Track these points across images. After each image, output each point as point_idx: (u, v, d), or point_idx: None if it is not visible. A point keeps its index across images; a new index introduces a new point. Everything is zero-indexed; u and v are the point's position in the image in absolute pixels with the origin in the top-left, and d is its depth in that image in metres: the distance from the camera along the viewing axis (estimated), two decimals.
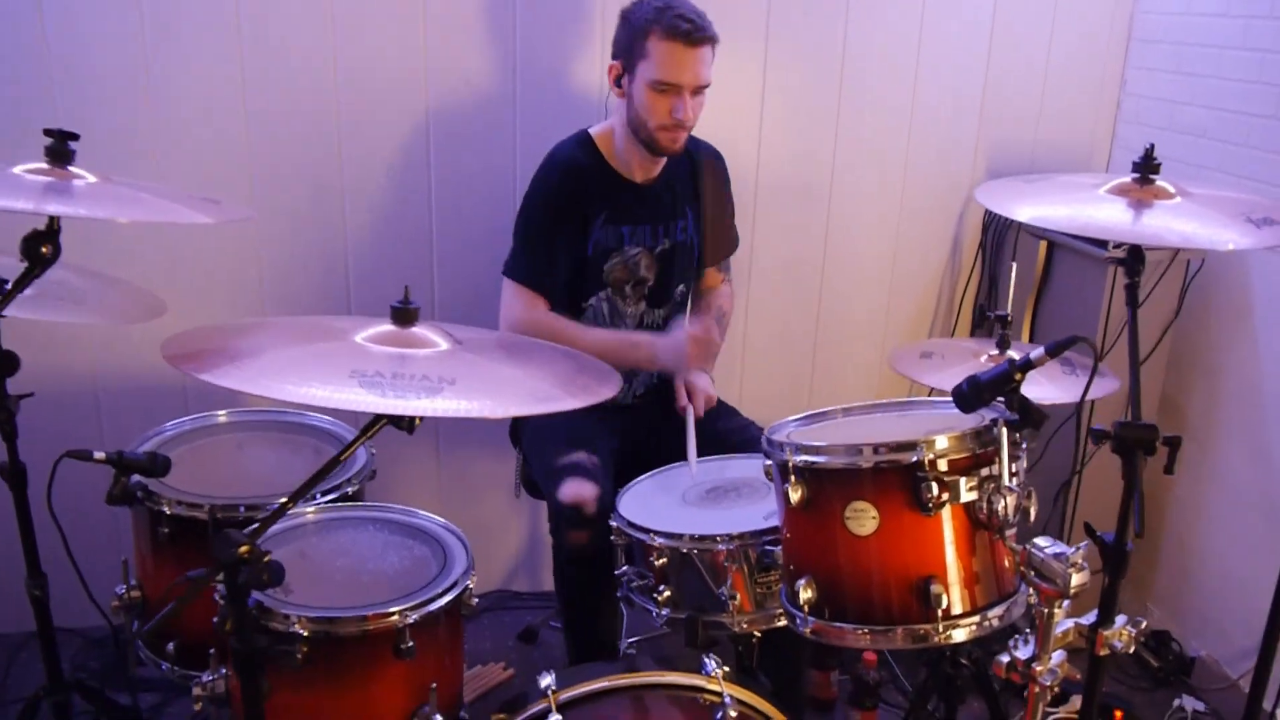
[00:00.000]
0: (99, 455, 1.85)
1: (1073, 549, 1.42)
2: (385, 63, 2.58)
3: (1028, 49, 2.94)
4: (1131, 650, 1.57)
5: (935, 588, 1.49)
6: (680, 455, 2.20)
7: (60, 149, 1.50)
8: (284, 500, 1.42)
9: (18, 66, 2.39)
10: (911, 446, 1.48)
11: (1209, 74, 2.68)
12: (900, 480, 1.50)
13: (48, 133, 1.50)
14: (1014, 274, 1.93)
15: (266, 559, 1.36)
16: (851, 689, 2.50)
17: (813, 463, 1.55)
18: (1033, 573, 1.45)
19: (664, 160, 2.34)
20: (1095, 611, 1.56)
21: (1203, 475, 2.78)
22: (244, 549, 1.35)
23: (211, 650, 1.76)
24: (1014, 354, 1.93)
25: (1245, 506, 2.64)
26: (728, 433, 2.32)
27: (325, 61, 2.54)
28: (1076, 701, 2.61)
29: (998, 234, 2.94)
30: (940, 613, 1.50)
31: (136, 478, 1.98)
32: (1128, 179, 1.61)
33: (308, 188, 2.62)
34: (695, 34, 2.12)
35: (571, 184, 2.28)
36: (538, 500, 2.62)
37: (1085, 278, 2.69)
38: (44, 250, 1.46)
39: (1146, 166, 1.58)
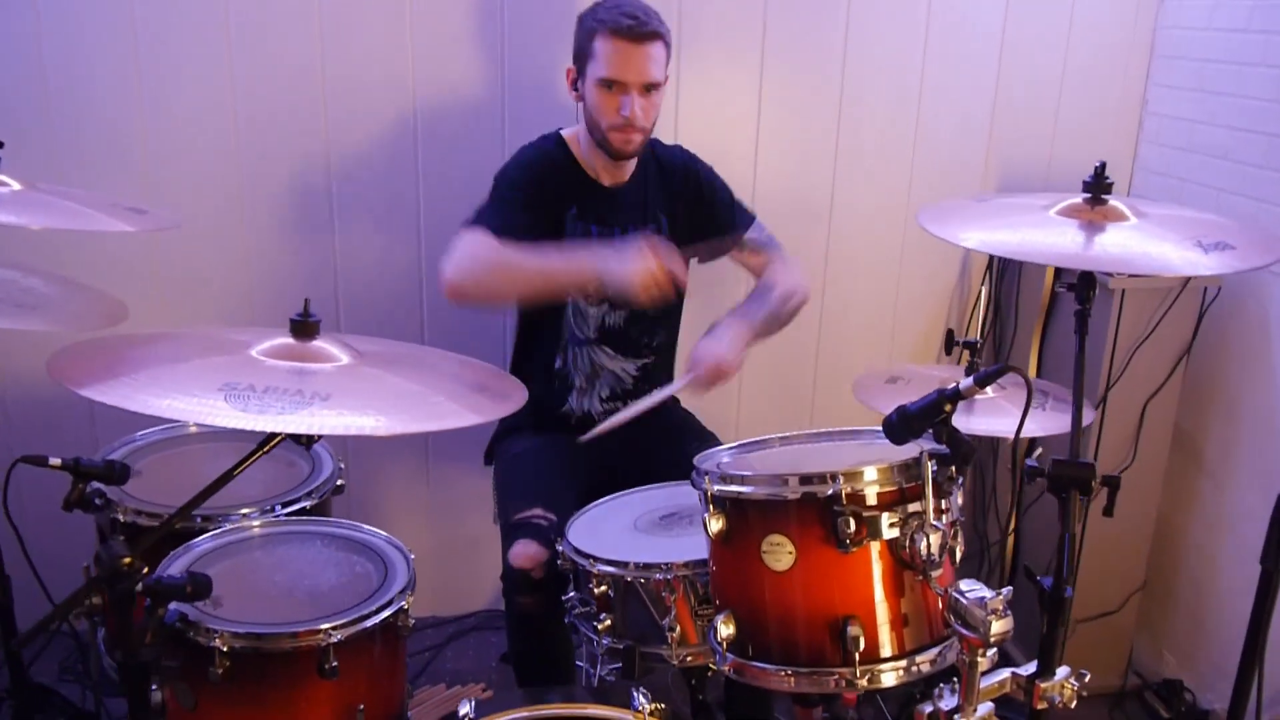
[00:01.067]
0: (54, 461, 1.86)
1: (994, 594, 1.32)
2: (371, 68, 2.57)
3: (1041, 64, 2.82)
4: (1073, 705, 1.46)
5: (853, 629, 1.41)
6: (649, 479, 2.14)
7: None
8: (171, 515, 1.39)
9: (11, 82, 2.44)
10: (829, 478, 1.40)
11: (1230, 92, 2.54)
12: (818, 514, 1.42)
13: None
14: (983, 296, 1.84)
15: (145, 571, 1.34)
16: None
17: (729, 492, 1.48)
18: (955, 619, 1.35)
19: (631, 165, 2.28)
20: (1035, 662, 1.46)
21: (1219, 518, 2.62)
22: (126, 561, 1.33)
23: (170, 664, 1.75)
24: (1011, 396, 1.84)
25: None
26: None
27: (313, 67, 2.54)
28: None
29: (1003, 260, 2.82)
30: (859, 655, 1.41)
31: (95, 485, 2.00)
32: (1079, 199, 1.52)
33: (296, 193, 2.62)
34: (639, 29, 2.07)
35: (543, 169, 2.24)
36: None
37: (1093, 303, 2.56)
38: None
39: (1097, 186, 1.48)
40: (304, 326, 1.40)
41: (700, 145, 2.44)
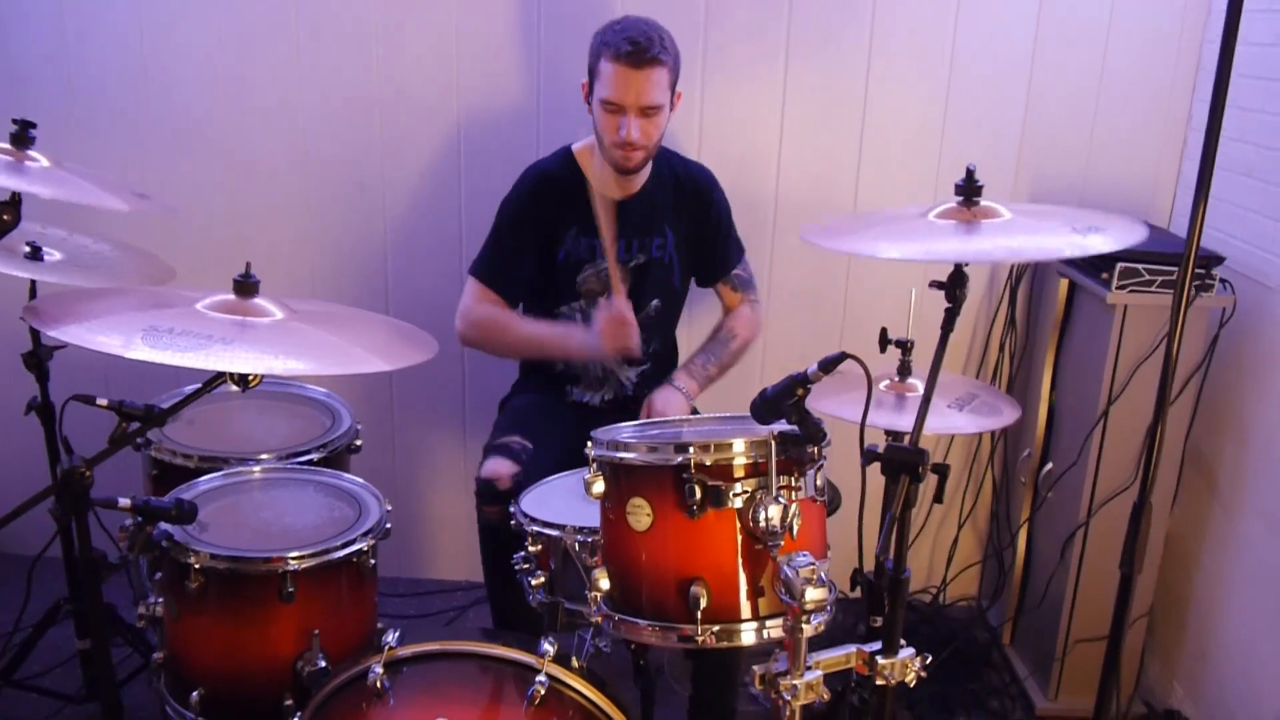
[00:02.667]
0: (101, 401, 2.17)
1: (811, 564, 1.41)
2: (421, 82, 2.82)
3: (1076, 75, 2.79)
4: (913, 684, 1.53)
5: (695, 589, 1.52)
6: None
7: (22, 135, 1.81)
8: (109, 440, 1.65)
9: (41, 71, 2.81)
10: (680, 449, 1.52)
11: (1258, 109, 2.47)
12: (672, 480, 1.54)
13: (14, 121, 1.82)
14: (914, 298, 1.90)
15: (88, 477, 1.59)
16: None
17: (607, 457, 1.62)
18: (781, 588, 1.45)
19: (641, 178, 2.43)
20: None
21: (1227, 545, 2.54)
22: (85, 471, 1.60)
23: (158, 575, 2.03)
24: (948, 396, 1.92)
25: (1268, 585, 2.39)
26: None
27: (368, 77, 2.81)
28: None
29: (1019, 271, 2.81)
30: (700, 614, 1.52)
31: (136, 424, 2.31)
32: (953, 203, 1.58)
33: (352, 189, 2.91)
34: (639, 55, 2.19)
35: (543, 194, 2.42)
36: None
37: (1092, 324, 2.54)
38: (4, 218, 1.76)
39: (969, 189, 1.55)
40: (245, 286, 1.63)
41: (724, 151, 2.55)
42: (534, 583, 1.99)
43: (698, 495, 1.50)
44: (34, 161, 1.84)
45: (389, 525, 2.07)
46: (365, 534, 2.02)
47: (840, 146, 2.86)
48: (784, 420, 1.56)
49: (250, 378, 1.63)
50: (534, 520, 1.99)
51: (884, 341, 1.98)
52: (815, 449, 1.53)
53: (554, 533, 1.96)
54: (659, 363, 2.59)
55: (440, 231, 2.94)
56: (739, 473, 1.53)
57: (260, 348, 1.49)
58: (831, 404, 1.96)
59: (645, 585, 1.59)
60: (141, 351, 1.41)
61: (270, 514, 2.12)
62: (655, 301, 2.51)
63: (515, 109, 2.85)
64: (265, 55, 2.81)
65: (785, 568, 1.44)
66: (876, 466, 1.50)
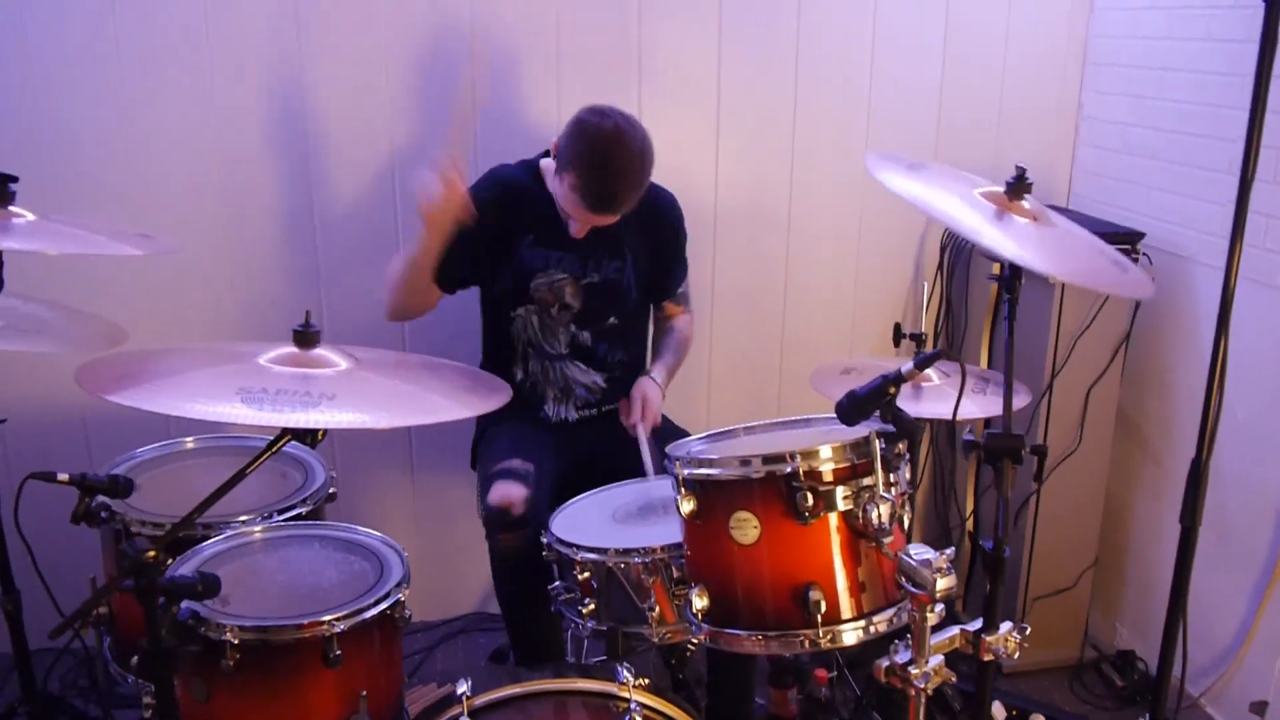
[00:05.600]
0: (62, 477, 1.97)
1: (938, 554, 1.47)
2: (352, 102, 2.71)
3: (981, 73, 3.00)
4: (1016, 656, 1.61)
5: (814, 594, 1.55)
6: (623, 475, 2.28)
7: (1, 191, 1.63)
8: (190, 512, 1.52)
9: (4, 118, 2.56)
10: (788, 457, 1.55)
11: (1154, 96, 2.73)
12: (779, 490, 1.56)
13: None
14: (926, 291, 2.00)
15: (168, 563, 1.46)
16: (804, 706, 2.53)
17: (699, 475, 1.62)
18: (904, 579, 1.50)
19: None
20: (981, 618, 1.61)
21: (1161, 494, 2.79)
22: (151, 554, 1.46)
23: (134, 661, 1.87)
24: (905, 375, 1.99)
25: (1208, 531, 2.63)
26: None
27: (293, 100, 2.68)
28: None
29: (953, 257, 2.99)
30: (820, 618, 1.55)
31: (100, 499, 2.11)
32: (1001, 190, 1.68)
33: (278, 224, 2.75)
34: (600, 206, 2.21)
35: (503, 196, 2.38)
36: None
37: (1035, 303, 2.73)
38: None
39: (1018, 187, 1.64)
40: (306, 336, 1.53)
41: (662, 166, 2.57)
42: (584, 610, 1.97)
43: (810, 501, 1.53)
44: (19, 217, 1.66)
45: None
46: (398, 585, 1.94)
47: (773, 151, 2.96)
48: (871, 419, 1.60)
49: (319, 434, 1.54)
50: (578, 547, 1.96)
51: (898, 336, 2.08)
52: (905, 444, 1.58)
53: (597, 557, 1.95)
54: (626, 370, 2.59)
55: (378, 264, 2.82)
56: (844, 475, 1.57)
57: (358, 402, 1.40)
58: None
59: (755, 596, 1.60)
60: (245, 414, 1.30)
61: (288, 576, 1.99)
62: (613, 319, 2.51)
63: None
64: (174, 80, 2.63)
65: (909, 559, 1.49)
66: None
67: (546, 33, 2.74)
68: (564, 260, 2.40)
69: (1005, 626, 1.61)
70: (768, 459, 1.56)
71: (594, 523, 2.10)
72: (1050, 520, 2.80)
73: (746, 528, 1.58)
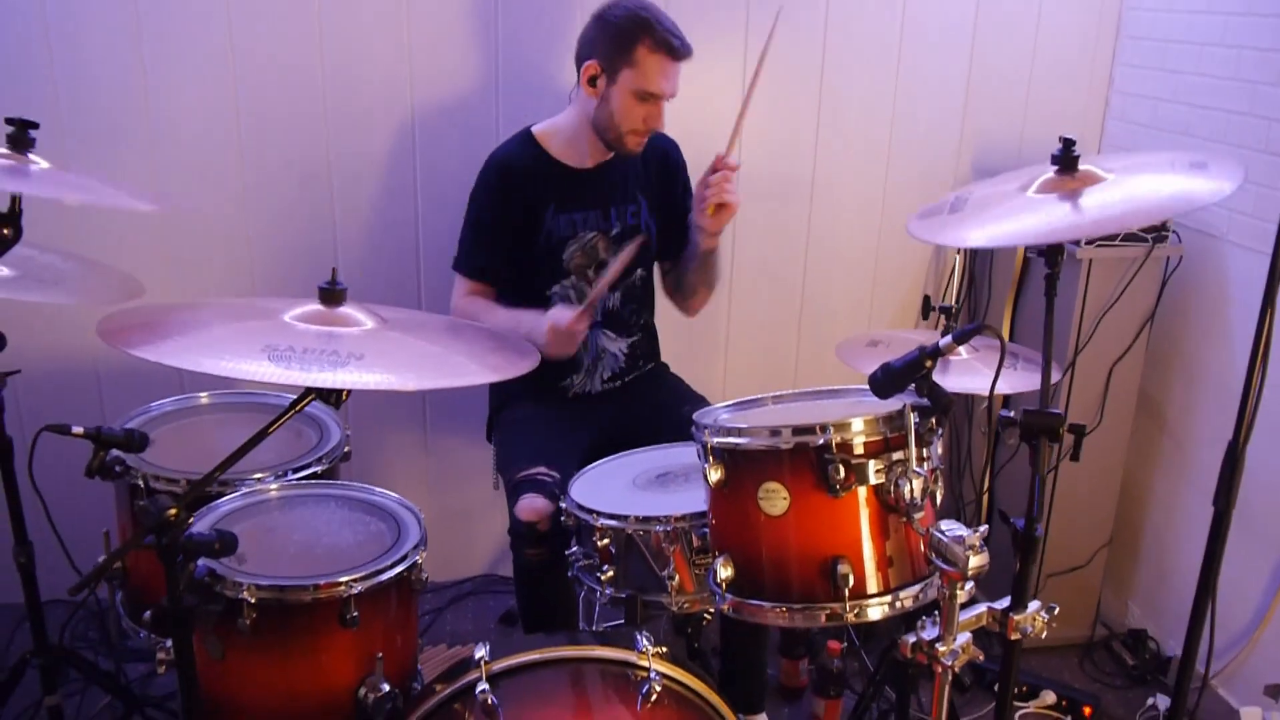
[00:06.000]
0: (77, 430, 1.95)
1: (971, 531, 1.44)
2: (371, 61, 2.66)
3: (1012, 42, 2.94)
4: (1044, 635, 1.59)
5: (843, 567, 1.53)
6: (643, 443, 2.25)
7: (21, 136, 1.59)
8: (212, 470, 1.49)
9: (22, 72, 2.51)
10: (820, 429, 1.52)
11: (1190, 70, 2.67)
12: (810, 462, 1.54)
13: (9, 121, 1.59)
14: (957, 265, 1.96)
15: (190, 521, 1.44)
16: (816, 677, 2.53)
17: (728, 444, 1.60)
18: (935, 555, 1.48)
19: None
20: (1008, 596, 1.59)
21: (1180, 474, 2.77)
22: (173, 511, 1.43)
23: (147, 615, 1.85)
24: (987, 359, 1.98)
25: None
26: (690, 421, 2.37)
27: (312, 61, 2.63)
28: (1047, 697, 2.63)
29: None
30: (848, 592, 1.53)
31: (115, 453, 2.09)
32: (1050, 173, 1.63)
33: (296, 182, 2.71)
34: (684, 50, 2.22)
35: (511, 178, 2.35)
36: None
37: (1060, 278, 2.68)
38: (4, 232, 1.55)
39: (1066, 159, 1.60)
40: (332, 294, 1.50)
41: (686, 128, 2.54)
42: (603, 577, 1.95)
43: (841, 474, 1.51)
44: (35, 165, 1.62)
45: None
46: (415, 547, 1.92)
47: (799, 118, 2.91)
48: (904, 393, 1.58)
49: (342, 394, 1.51)
50: (598, 514, 1.94)
51: (927, 308, 2.04)
52: (939, 419, 1.56)
53: (617, 524, 1.93)
54: (645, 337, 2.58)
55: (396, 225, 2.79)
56: (876, 448, 1.54)
57: (385, 363, 1.37)
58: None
59: (780, 568, 1.59)
60: (271, 372, 1.27)
61: (304, 535, 1.97)
62: (640, 271, 2.49)
63: (472, 91, 2.73)
64: (191, 44, 2.58)
65: (942, 535, 1.46)
66: None
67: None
68: (589, 218, 2.38)
69: (1033, 605, 1.58)
70: (799, 429, 1.54)
71: (614, 488, 2.07)
72: (1067, 498, 2.78)
73: (775, 498, 1.56)
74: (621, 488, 2.08)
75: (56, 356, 2.72)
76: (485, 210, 2.38)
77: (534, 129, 2.41)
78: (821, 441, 1.52)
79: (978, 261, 2.94)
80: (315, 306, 1.51)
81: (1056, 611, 1.59)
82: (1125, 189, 1.58)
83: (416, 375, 1.36)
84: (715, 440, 1.60)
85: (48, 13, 2.49)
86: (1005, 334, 2.90)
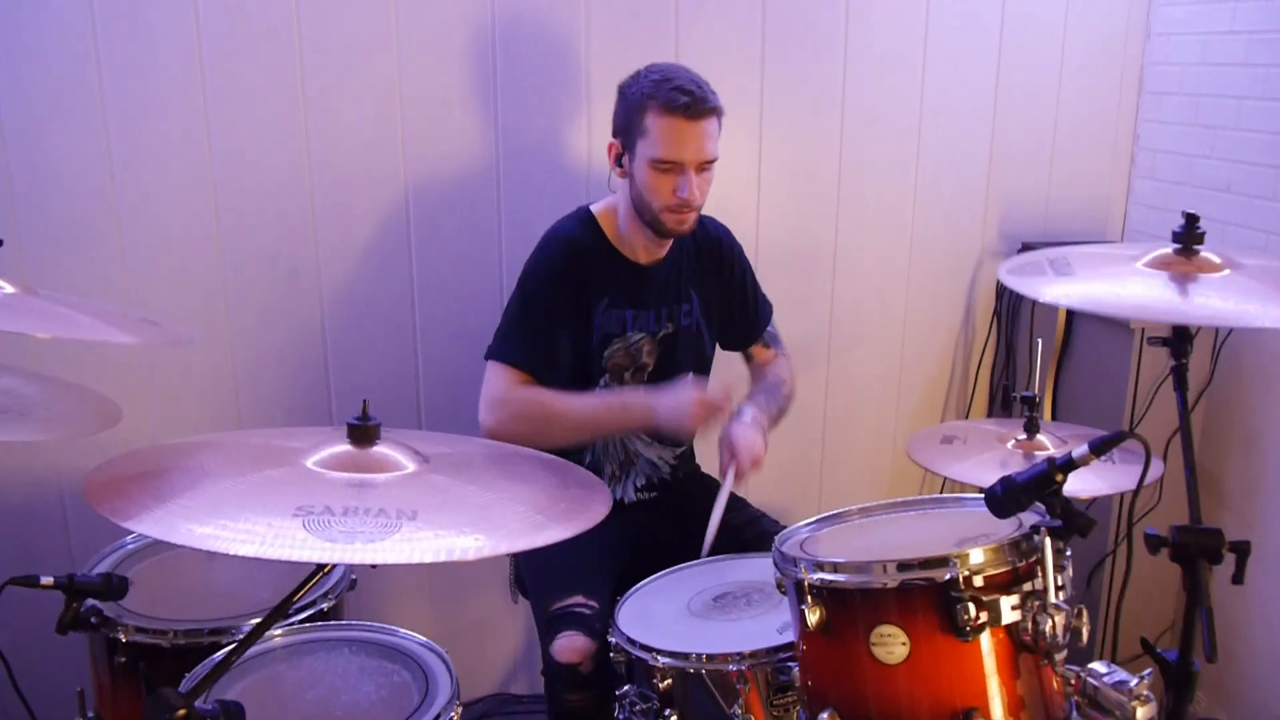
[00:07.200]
0: (46, 580, 1.70)
1: (1135, 678, 1.24)
2: (361, 142, 2.45)
3: (1034, 108, 2.82)
4: None
5: None
6: (681, 558, 2.02)
7: None
8: (229, 649, 1.24)
9: None
10: (943, 562, 1.31)
11: (1229, 126, 2.55)
12: (932, 601, 1.32)
13: None
14: (1040, 350, 1.77)
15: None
16: None
17: (831, 581, 1.37)
18: (1089, 704, 1.26)
19: (669, 241, 2.19)
20: None
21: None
22: (181, 712, 1.18)
23: None
24: (1051, 451, 1.77)
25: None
26: (738, 528, 2.14)
27: (297, 142, 2.41)
28: None
29: (1013, 302, 2.78)
30: None
31: (91, 602, 1.82)
32: (1168, 250, 1.46)
33: (283, 280, 2.48)
34: (695, 106, 1.97)
35: (575, 263, 2.12)
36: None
37: (1110, 348, 2.53)
38: None
39: (1189, 236, 1.42)
40: (364, 431, 1.27)
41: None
42: None
43: (972, 613, 1.29)
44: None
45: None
46: (449, 702, 1.67)
47: (818, 195, 2.76)
48: (1027, 511, 1.37)
49: None
50: (658, 652, 1.70)
51: (1007, 399, 1.86)
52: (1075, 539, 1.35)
53: (682, 664, 1.69)
54: (692, 441, 2.35)
55: (390, 321, 2.56)
56: (1003, 580, 1.33)
57: (443, 521, 1.14)
58: (956, 469, 1.82)
59: None
60: (308, 544, 1.03)
61: (319, 693, 1.71)
62: (690, 374, 2.25)
63: (471, 174, 2.53)
64: (167, 124, 2.35)
65: (1099, 682, 1.25)
66: None
67: (575, 70, 2.52)
68: (640, 318, 2.16)
69: None
70: (920, 563, 1.32)
71: (668, 616, 1.84)
72: (1129, 585, 2.58)
73: (892, 644, 1.33)
74: (676, 615, 1.84)
75: (15, 486, 2.43)
76: (546, 292, 2.11)
77: (593, 209, 2.19)
78: (948, 577, 1.30)
79: (1017, 334, 2.77)
80: (343, 448, 1.27)
81: None
82: (1239, 288, 1.41)
83: (484, 537, 1.11)
84: (815, 577, 1.38)
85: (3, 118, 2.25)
86: (1046, 413, 2.73)
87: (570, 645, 1.89)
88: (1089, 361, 2.62)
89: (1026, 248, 2.79)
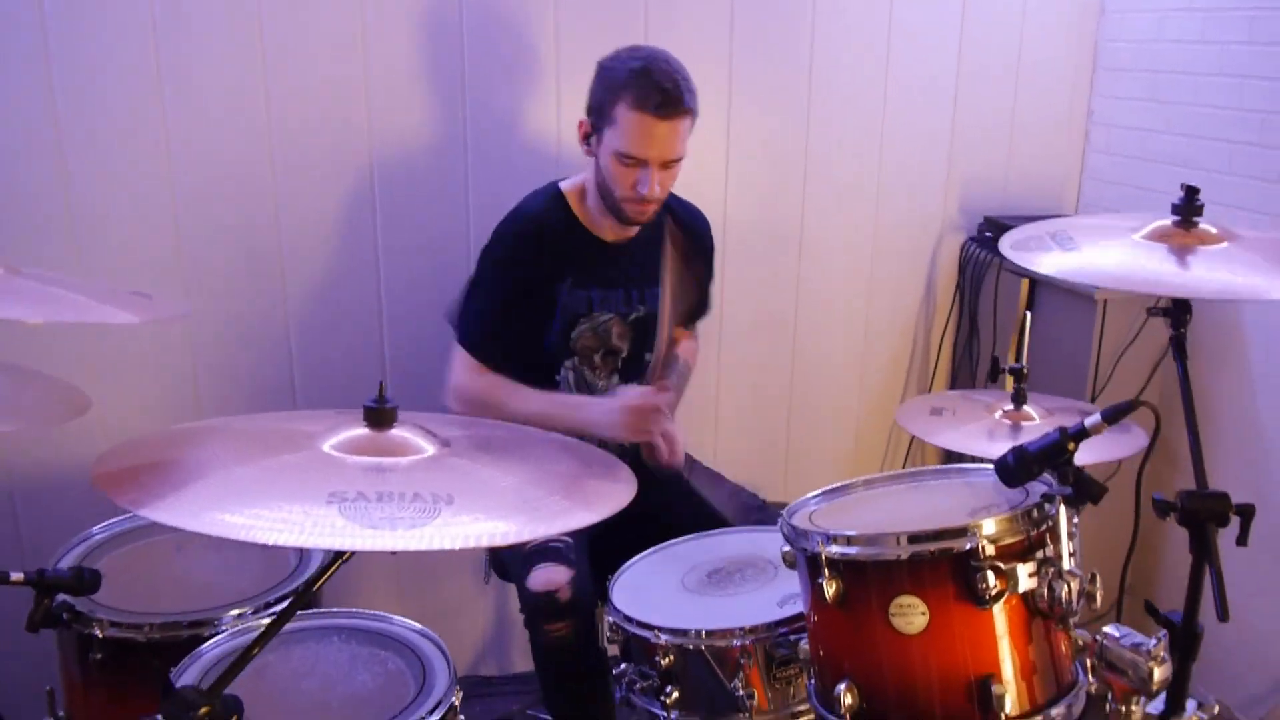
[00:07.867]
0: (16, 576, 1.62)
1: (1152, 639, 1.26)
2: (324, 118, 2.37)
3: (994, 86, 2.85)
4: None
5: (996, 688, 1.32)
6: (655, 532, 2.01)
7: None
8: (251, 649, 1.19)
9: None
10: (962, 532, 1.32)
11: (1185, 101, 2.61)
12: (951, 571, 1.33)
13: None
14: (1028, 322, 1.80)
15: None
16: None
17: (849, 554, 1.37)
18: (1105, 666, 1.29)
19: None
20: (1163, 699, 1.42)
21: None
22: (205, 710, 1.13)
23: None
24: (1038, 420, 1.80)
25: (1257, 553, 2.52)
26: (719, 503, 2.14)
27: (258, 117, 2.33)
28: None
29: (976, 273, 2.82)
30: (1004, 716, 1.33)
31: (62, 597, 1.75)
32: (1167, 222, 1.48)
33: (243, 260, 2.40)
34: (667, 106, 1.92)
35: (534, 244, 2.08)
36: (508, 583, 2.41)
37: (1072, 317, 2.57)
38: None
39: (1188, 209, 1.45)
40: (381, 414, 1.23)
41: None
42: (668, 701, 1.70)
43: (991, 582, 1.30)
44: None
45: None
46: (449, 688, 1.64)
47: (785, 168, 2.76)
48: (1038, 480, 1.39)
49: None
50: (658, 629, 1.69)
51: (995, 370, 1.88)
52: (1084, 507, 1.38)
53: (682, 641, 1.69)
54: None
55: (355, 300, 2.50)
56: (1019, 549, 1.35)
57: (481, 506, 1.10)
58: (947, 438, 1.85)
59: (919, 693, 1.37)
60: (355, 536, 1.00)
61: (314, 683, 1.66)
62: (648, 355, 2.24)
63: (438, 151, 2.47)
64: (119, 99, 2.24)
65: (1115, 645, 1.28)
66: None
67: (544, 47, 2.47)
68: (608, 298, 2.13)
69: (1190, 706, 1.41)
70: (939, 534, 1.33)
71: (662, 593, 1.83)
72: (1090, 551, 2.64)
73: (912, 614, 1.34)
74: (671, 591, 1.84)
75: None
76: (503, 275, 2.08)
77: (562, 186, 2.14)
78: (968, 547, 1.31)
79: (979, 308, 2.81)
80: (359, 431, 1.23)
81: (1216, 709, 1.42)
82: (1235, 258, 1.44)
83: (518, 522, 1.09)
84: (832, 550, 1.38)
85: None
86: (1009, 386, 2.77)
87: (546, 575, 1.88)
88: (1052, 332, 2.67)
89: (989, 222, 2.83)
